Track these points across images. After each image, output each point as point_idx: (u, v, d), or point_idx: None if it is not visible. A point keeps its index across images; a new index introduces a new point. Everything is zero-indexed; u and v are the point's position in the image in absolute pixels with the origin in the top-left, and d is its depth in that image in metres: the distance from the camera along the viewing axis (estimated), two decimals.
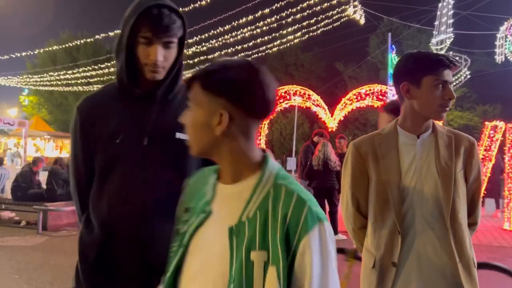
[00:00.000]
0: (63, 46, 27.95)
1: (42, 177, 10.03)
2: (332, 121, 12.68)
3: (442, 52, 24.32)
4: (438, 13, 24.17)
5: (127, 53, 1.52)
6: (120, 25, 1.56)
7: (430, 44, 25.18)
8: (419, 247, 1.71)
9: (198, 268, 1.05)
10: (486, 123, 9.37)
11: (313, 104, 12.66)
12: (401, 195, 1.74)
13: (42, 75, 29.21)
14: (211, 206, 1.07)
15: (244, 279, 0.94)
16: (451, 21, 23.54)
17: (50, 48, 28.93)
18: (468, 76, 25.98)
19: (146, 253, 1.51)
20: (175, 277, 1.10)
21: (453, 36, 24.36)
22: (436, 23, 23.95)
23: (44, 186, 9.43)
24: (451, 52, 24.99)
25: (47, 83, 29.79)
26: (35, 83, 30.61)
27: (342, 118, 12.47)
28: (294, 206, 0.97)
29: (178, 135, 1.54)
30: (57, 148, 31.75)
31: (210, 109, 1.02)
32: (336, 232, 7.66)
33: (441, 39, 24.32)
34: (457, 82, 26.20)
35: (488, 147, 8.90)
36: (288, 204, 0.97)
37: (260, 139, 10.26)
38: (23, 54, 24.55)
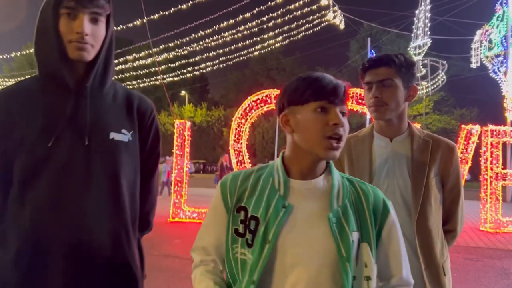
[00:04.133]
0: None
1: None
2: None
3: (420, 56, 24.82)
4: (416, 18, 24.64)
5: (54, 33, 1.31)
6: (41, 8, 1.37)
7: (409, 48, 25.67)
8: None
9: (297, 258, 1.09)
10: (463, 126, 9.56)
11: None
12: None
13: (19, 79, 28.59)
14: (288, 201, 1.14)
15: (352, 256, 1.08)
16: (428, 26, 24.03)
17: (28, 51, 28.35)
18: (445, 81, 26.53)
19: (82, 270, 1.31)
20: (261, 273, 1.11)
21: (430, 41, 24.86)
22: (414, 28, 24.41)
23: None
24: (428, 58, 25.50)
25: None
26: None
27: None
28: (374, 194, 1.20)
29: (112, 135, 1.39)
30: None
31: None
32: None
33: (419, 44, 24.79)
34: (435, 86, 26.72)
35: (464, 150, 9.09)
36: (368, 192, 1.19)
37: (241, 143, 10.26)
38: (0, 57, 24.02)
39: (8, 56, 26.05)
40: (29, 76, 1.46)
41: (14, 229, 1.32)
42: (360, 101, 9.84)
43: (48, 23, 1.33)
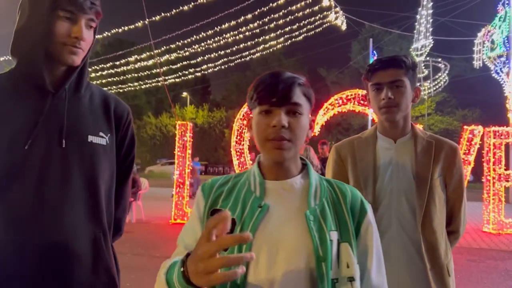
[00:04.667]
0: None
1: None
2: (314, 126, 12.76)
3: (422, 57, 24.81)
4: (418, 19, 24.61)
5: (47, 34, 1.28)
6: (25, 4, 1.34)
7: (411, 49, 25.64)
8: (394, 251, 1.71)
9: (274, 257, 1.06)
10: (465, 127, 9.54)
11: None
12: (376, 199, 1.74)
13: None
14: (264, 201, 1.12)
15: (330, 256, 1.05)
16: (430, 27, 24.00)
17: None
18: (448, 81, 26.49)
19: (60, 277, 1.26)
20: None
21: (432, 42, 24.84)
22: (416, 29, 24.38)
23: None
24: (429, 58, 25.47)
25: None
26: None
27: (324, 123, 12.54)
28: (352, 193, 1.17)
29: (91, 138, 1.36)
30: None
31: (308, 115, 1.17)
32: None
33: (421, 45, 24.76)
34: (437, 87, 26.69)
35: (467, 151, 9.06)
36: (346, 192, 1.17)
37: (243, 144, 10.26)
38: (1, 59, 24.09)
39: (9, 58, 26.08)
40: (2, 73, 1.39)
41: None
42: (362, 102, 9.82)
43: (39, 23, 1.28)
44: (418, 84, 1.85)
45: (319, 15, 19.57)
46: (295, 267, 1.05)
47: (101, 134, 1.40)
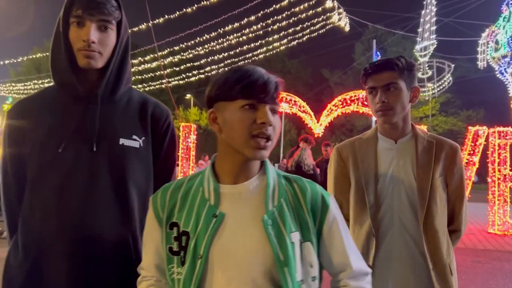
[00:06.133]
0: (48, 53, 27.65)
1: None
2: (318, 127, 12.75)
3: (426, 58, 24.75)
4: (422, 20, 24.57)
5: (64, 42, 1.35)
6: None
7: (414, 50, 25.60)
8: (396, 250, 1.72)
9: (233, 269, 1.03)
10: (470, 127, 9.51)
11: (299, 110, 12.73)
12: (377, 199, 1.75)
13: (26, 83, 28.83)
14: (219, 209, 1.07)
15: (292, 259, 1.03)
16: (434, 28, 23.95)
17: (34, 56, 28.59)
18: (452, 82, 26.41)
19: (84, 278, 1.31)
20: None
21: (436, 43, 24.77)
22: (420, 30, 24.33)
23: None
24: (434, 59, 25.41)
25: (31, 91, 29.42)
26: (18, 91, 30.19)
27: (327, 124, 12.54)
28: (311, 189, 1.13)
29: (122, 140, 1.39)
30: None
31: None
32: None
33: (425, 46, 24.71)
34: (441, 87, 26.62)
35: (471, 152, 9.03)
36: (305, 188, 1.13)
37: None
38: (6, 62, 24.23)
39: (15, 61, 26.24)
40: (52, 85, 1.49)
41: (24, 234, 1.35)
42: (365, 103, 9.81)
43: (59, 33, 1.36)
44: (418, 84, 1.86)
45: (322, 16, 19.57)
46: (254, 277, 1.02)
47: (134, 137, 1.42)
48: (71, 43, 1.35)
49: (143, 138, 1.44)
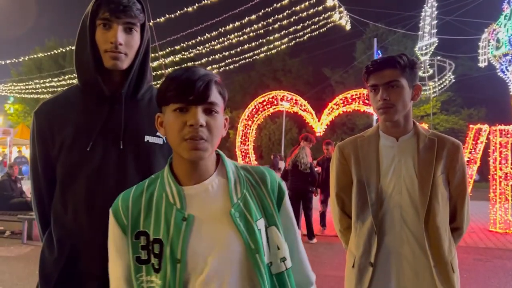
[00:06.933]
0: (49, 53, 27.68)
1: (26, 186, 9.87)
2: (319, 126, 12.74)
3: (427, 56, 24.73)
4: (422, 19, 24.53)
5: (90, 43, 1.39)
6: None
7: (415, 49, 25.55)
8: (398, 248, 1.73)
9: (213, 267, 1.04)
10: (471, 126, 9.50)
11: (300, 109, 12.72)
12: (379, 196, 1.76)
13: (27, 83, 28.85)
14: (187, 211, 1.08)
15: (261, 245, 1.07)
16: (435, 26, 23.91)
17: (36, 56, 28.61)
18: (453, 80, 26.35)
19: None
20: None
21: (437, 41, 24.73)
22: (420, 27, 24.30)
23: (28, 195, 9.27)
24: (437, 57, 25.37)
25: (33, 91, 29.46)
26: (20, 91, 30.23)
27: (329, 123, 12.53)
28: (270, 176, 1.18)
29: (147, 138, 1.45)
30: None
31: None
32: (312, 236, 7.69)
33: (426, 44, 24.67)
34: (443, 86, 26.58)
35: (473, 150, 9.02)
36: (264, 175, 1.18)
37: (248, 145, 10.26)
38: (8, 61, 24.25)
39: (17, 60, 26.27)
40: (74, 84, 1.54)
41: (57, 230, 1.41)
42: (366, 101, 9.81)
43: (85, 34, 1.40)
44: (420, 82, 1.86)
45: (323, 15, 19.53)
46: (234, 270, 1.05)
47: (158, 134, 1.47)
48: (96, 45, 1.40)
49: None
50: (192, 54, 22.75)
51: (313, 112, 13.13)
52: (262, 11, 18.59)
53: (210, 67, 24.08)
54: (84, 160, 1.38)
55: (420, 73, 24.09)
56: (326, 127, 13.01)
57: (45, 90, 29.37)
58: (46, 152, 1.44)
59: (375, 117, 15.76)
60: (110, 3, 1.37)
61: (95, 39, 1.40)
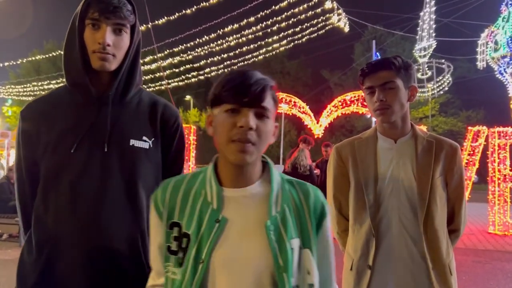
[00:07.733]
0: (47, 55, 27.67)
1: None
2: (318, 128, 12.75)
3: (425, 58, 24.79)
4: (420, 22, 24.60)
5: (79, 44, 1.37)
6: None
7: (414, 51, 25.60)
8: (396, 250, 1.72)
9: (234, 275, 1.02)
10: (469, 128, 9.51)
11: (298, 111, 12.73)
12: (377, 199, 1.75)
13: (25, 85, 28.82)
14: (222, 214, 1.06)
15: (291, 265, 1.03)
16: (433, 28, 23.96)
17: (34, 58, 28.60)
18: (451, 82, 26.41)
19: (96, 273, 1.33)
20: None
21: (435, 43, 24.78)
22: (419, 30, 24.35)
23: None
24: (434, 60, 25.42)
25: (31, 93, 29.43)
26: (18, 93, 30.20)
27: (327, 125, 12.54)
28: (315, 195, 1.13)
29: (133, 141, 1.41)
30: None
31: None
32: None
33: (424, 46, 24.72)
34: (441, 88, 26.62)
35: (471, 152, 9.03)
36: (309, 193, 1.13)
37: None
38: (6, 64, 24.23)
39: (15, 63, 26.24)
40: (62, 85, 1.50)
41: (37, 231, 1.38)
42: (365, 103, 9.83)
43: (74, 34, 1.38)
44: (418, 84, 1.86)
45: (321, 17, 19.58)
46: (256, 283, 1.02)
47: (144, 138, 1.44)
48: (85, 45, 1.38)
49: (153, 139, 1.46)
50: (190, 57, 22.75)
51: (311, 114, 13.13)
52: (261, 13, 18.63)
53: (208, 69, 24.11)
54: (68, 161, 1.35)
55: (419, 75, 24.15)
56: (324, 129, 13.02)
57: (43, 93, 29.30)
58: (31, 153, 1.42)
59: (373, 119, 15.78)
60: (100, 3, 1.35)
61: (84, 39, 1.38)
